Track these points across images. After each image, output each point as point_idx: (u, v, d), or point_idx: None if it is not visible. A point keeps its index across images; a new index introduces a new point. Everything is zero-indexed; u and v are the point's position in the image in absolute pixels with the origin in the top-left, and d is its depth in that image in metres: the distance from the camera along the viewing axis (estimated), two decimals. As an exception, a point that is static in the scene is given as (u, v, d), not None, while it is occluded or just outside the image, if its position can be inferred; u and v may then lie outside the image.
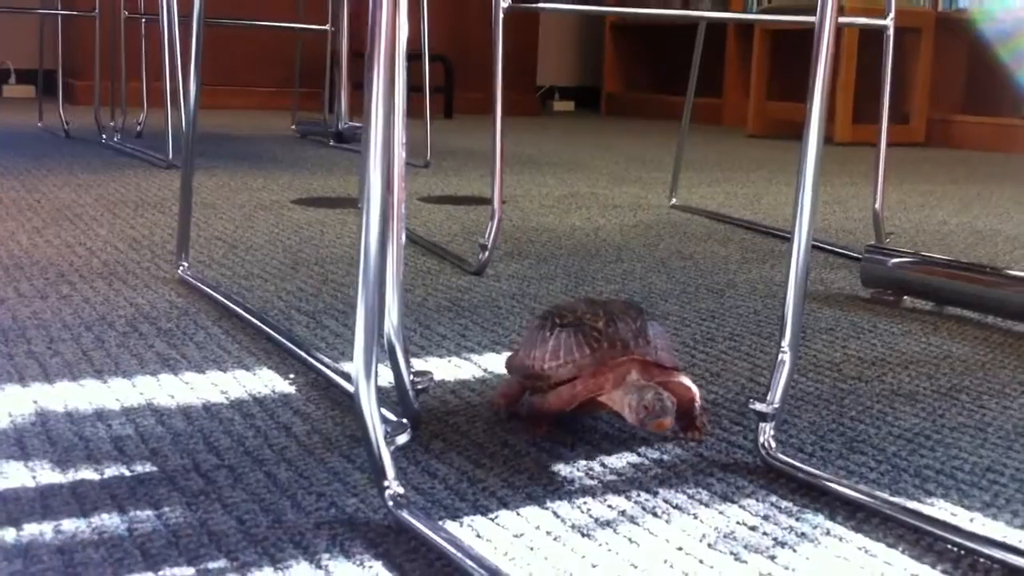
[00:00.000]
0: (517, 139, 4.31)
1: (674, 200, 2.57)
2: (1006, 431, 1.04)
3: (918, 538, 0.79)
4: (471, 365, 1.20)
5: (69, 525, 0.76)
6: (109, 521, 0.77)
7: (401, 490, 0.80)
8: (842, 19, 2.26)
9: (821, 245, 2.05)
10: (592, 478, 0.89)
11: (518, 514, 0.81)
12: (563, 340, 0.97)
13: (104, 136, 3.58)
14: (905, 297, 1.62)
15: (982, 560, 0.76)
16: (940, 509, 0.85)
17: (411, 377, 0.96)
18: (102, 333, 1.27)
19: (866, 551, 0.77)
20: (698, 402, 0.97)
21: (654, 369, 0.95)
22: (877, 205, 1.95)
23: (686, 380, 0.97)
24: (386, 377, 1.08)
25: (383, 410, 0.99)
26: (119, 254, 1.74)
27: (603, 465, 0.92)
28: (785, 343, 0.95)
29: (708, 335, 1.38)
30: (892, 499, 0.85)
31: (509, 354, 1.07)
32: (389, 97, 0.76)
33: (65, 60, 4.31)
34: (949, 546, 0.78)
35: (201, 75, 1.52)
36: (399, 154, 0.94)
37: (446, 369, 1.19)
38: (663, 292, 1.62)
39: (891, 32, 1.99)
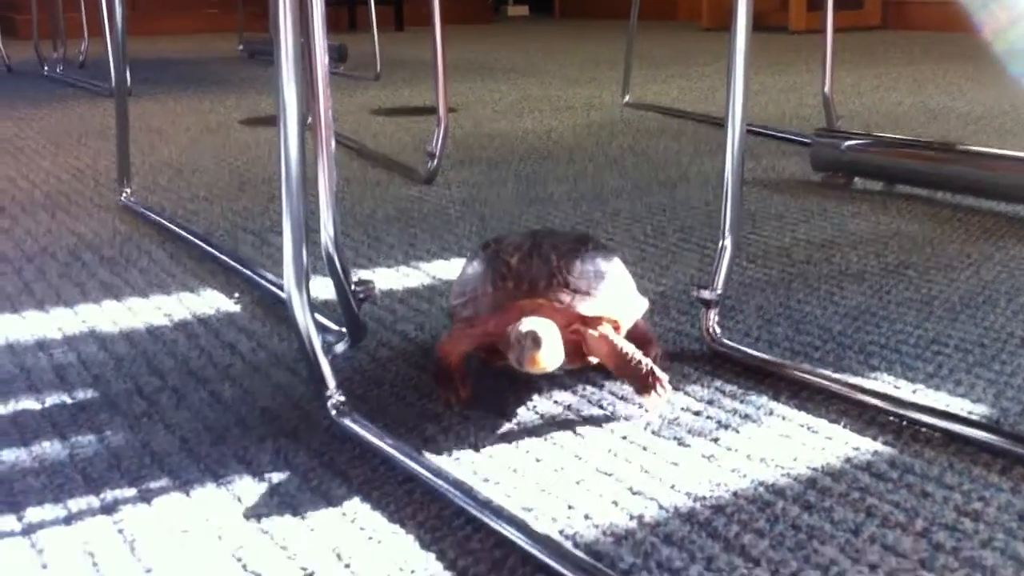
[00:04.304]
0: (470, 47, 4.26)
1: (627, 98, 2.54)
2: (952, 304, 1.05)
3: (861, 412, 0.80)
4: (419, 273, 1.20)
5: (9, 455, 0.76)
6: (50, 449, 0.77)
7: (343, 398, 0.80)
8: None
9: (773, 133, 2.04)
10: (540, 378, 0.89)
11: (464, 416, 0.81)
12: (469, 274, 0.86)
13: (46, 68, 3.50)
14: (856, 179, 1.61)
15: (924, 430, 0.77)
16: (883, 383, 0.85)
17: (352, 287, 0.94)
18: (43, 264, 1.25)
19: (809, 428, 0.78)
20: (631, 354, 0.79)
21: (564, 316, 0.80)
22: (827, 89, 1.94)
23: (606, 332, 0.80)
24: (330, 290, 1.07)
25: (323, 320, 0.98)
26: (62, 185, 1.71)
27: (550, 362, 0.92)
28: (726, 228, 0.94)
29: (659, 229, 1.37)
30: (835, 376, 0.85)
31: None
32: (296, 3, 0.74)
33: (1, -7, 4.19)
34: (891, 418, 0.79)
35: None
36: (322, 62, 0.92)
37: (394, 278, 1.18)
38: (615, 189, 1.61)
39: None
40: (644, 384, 0.79)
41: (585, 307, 0.80)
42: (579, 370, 0.86)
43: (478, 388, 0.84)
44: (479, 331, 0.82)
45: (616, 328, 0.83)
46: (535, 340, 0.75)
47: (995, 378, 0.86)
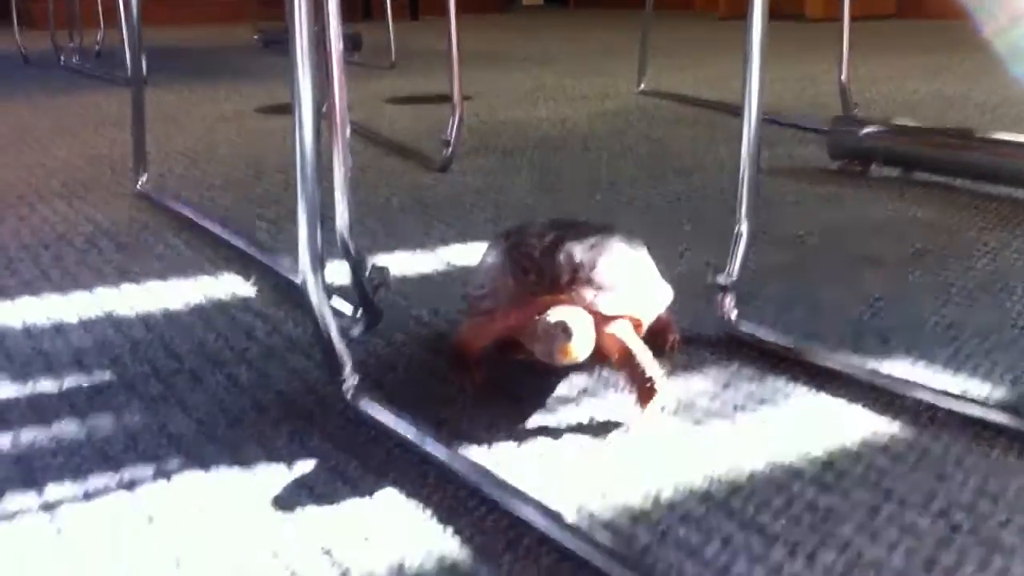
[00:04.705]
0: (484, 36, 4.25)
1: (642, 87, 2.54)
2: (969, 289, 1.04)
3: (878, 396, 0.80)
4: (434, 260, 1.20)
5: (28, 435, 0.76)
6: (68, 429, 0.77)
7: (358, 381, 0.80)
8: None
9: (790, 122, 2.03)
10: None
11: (478, 399, 0.81)
12: (490, 265, 0.83)
13: (62, 58, 3.51)
14: (873, 166, 1.61)
15: (941, 413, 0.76)
16: (901, 367, 0.85)
17: (367, 273, 0.95)
18: (61, 251, 1.25)
19: (826, 410, 0.77)
20: (636, 357, 0.76)
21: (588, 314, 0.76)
22: (843, 77, 1.93)
23: (620, 331, 0.78)
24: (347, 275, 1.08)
25: (337, 304, 0.98)
26: (78, 173, 1.71)
27: (565, 346, 0.91)
28: (742, 214, 0.94)
29: (674, 216, 1.37)
30: (852, 360, 0.85)
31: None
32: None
33: (17, -17, 4.20)
34: (909, 402, 0.78)
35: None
36: (337, 49, 0.92)
37: (409, 265, 1.18)
38: (630, 178, 1.61)
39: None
40: (641, 395, 0.76)
41: (606, 305, 0.78)
42: (601, 366, 0.84)
43: (492, 373, 0.84)
44: (499, 326, 0.79)
45: (638, 326, 0.80)
46: (566, 331, 0.73)
47: (1013, 363, 0.86)
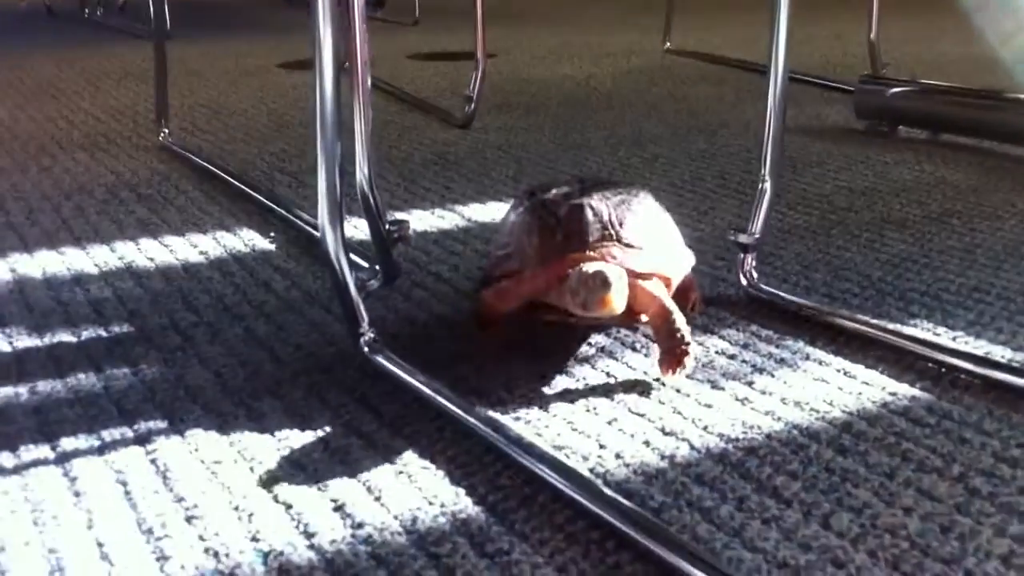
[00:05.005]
0: (510, -7, 4.21)
1: (668, 45, 2.51)
2: (995, 252, 1.03)
3: (899, 358, 0.79)
4: (455, 216, 1.19)
5: (45, 386, 0.76)
6: (85, 380, 0.77)
7: (375, 335, 0.79)
8: None
9: (817, 80, 2.01)
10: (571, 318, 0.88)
11: (496, 356, 0.80)
12: (514, 223, 0.81)
13: (87, 11, 3.50)
14: (900, 127, 1.58)
15: (963, 376, 0.75)
16: (923, 330, 0.84)
17: (386, 227, 0.94)
18: (82, 202, 1.25)
19: (845, 373, 0.77)
20: (672, 316, 0.75)
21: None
22: (872, 35, 1.90)
23: (657, 289, 0.76)
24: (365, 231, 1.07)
25: (355, 258, 0.98)
26: (100, 125, 1.71)
27: (584, 304, 0.91)
28: (766, 171, 0.93)
29: (697, 175, 1.35)
30: (874, 322, 0.84)
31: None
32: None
33: (43, -65, 4.18)
34: (930, 364, 0.77)
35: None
36: (359, 2, 0.91)
37: (429, 220, 1.17)
38: (654, 136, 1.59)
39: None
40: (671, 358, 0.74)
41: (637, 262, 0.76)
42: (629, 325, 0.83)
43: (514, 334, 0.83)
44: (527, 288, 0.77)
45: (667, 284, 0.79)
46: (605, 282, 0.71)
47: (1038, 327, 0.84)
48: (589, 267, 0.72)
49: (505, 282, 0.78)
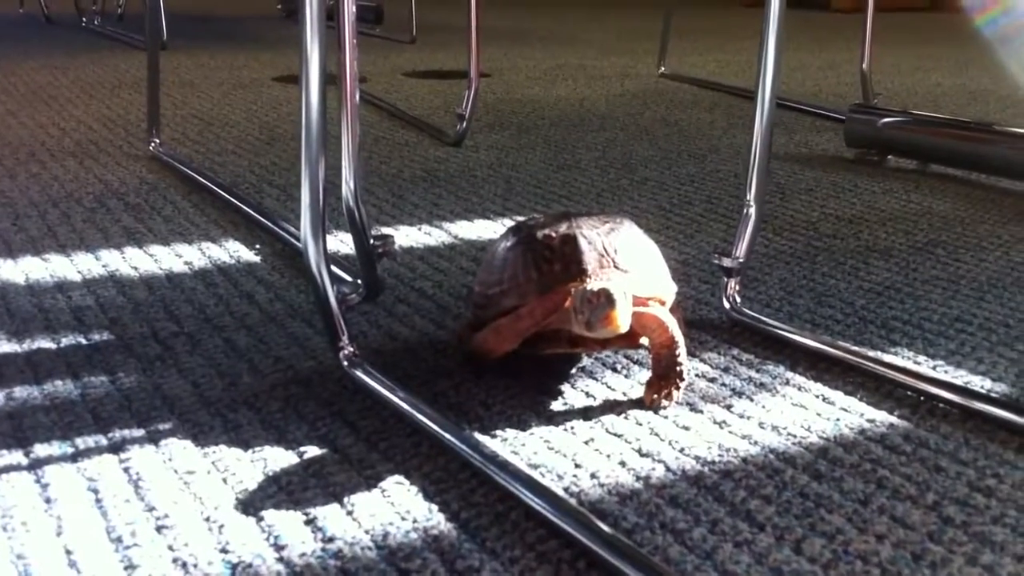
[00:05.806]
0: (508, 14, 4.23)
1: (663, 69, 2.52)
2: (979, 283, 1.03)
3: (878, 386, 0.79)
4: (442, 233, 1.19)
5: (21, 392, 0.76)
6: (62, 387, 0.77)
7: (355, 349, 0.79)
8: None
9: (808, 108, 2.01)
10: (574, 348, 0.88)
11: (475, 374, 0.80)
12: (505, 259, 0.79)
13: (84, 20, 3.51)
14: (889, 156, 1.59)
15: (941, 405, 0.76)
16: (904, 358, 0.84)
17: (371, 242, 0.94)
18: (69, 209, 1.25)
19: (824, 399, 0.77)
20: (678, 349, 0.75)
21: None
22: (865, 65, 1.91)
23: (661, 315, 0.76)
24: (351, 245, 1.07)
25: (339, 272, 0.98)
26: (92, 133, 1.71)
27: (567, 324, 0.91)
28: (750, 197, 0.93)
29: (686, 198, 1.36)
30: (855, 349, 0.84)
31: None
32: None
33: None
34: (909, 393, 0.77)
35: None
36: (350, 13, 0.91)
37: (416, 236, 1.17)
38: (644, 159, 1.60)
39: None
40: (662, 386, 0.75)
41: (637, 287, 0.76)
42: (629, 348, 0.82)
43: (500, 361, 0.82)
44: (527, 323, 0.76)
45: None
46: (609, 298, 0.70)
47: (1018, 358, 0.84)
48: (593, 286, 0.72)
49: (503, 320, 0.77)
